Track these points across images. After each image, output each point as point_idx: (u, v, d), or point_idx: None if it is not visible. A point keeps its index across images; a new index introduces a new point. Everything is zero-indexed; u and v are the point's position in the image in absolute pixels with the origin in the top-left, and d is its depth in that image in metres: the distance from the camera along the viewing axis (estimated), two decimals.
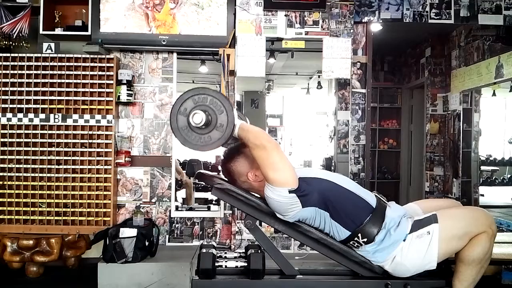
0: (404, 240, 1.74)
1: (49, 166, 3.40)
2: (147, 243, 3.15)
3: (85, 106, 3.43)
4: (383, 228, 1.75)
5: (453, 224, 1.75)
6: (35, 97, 3.42)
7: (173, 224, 3.65)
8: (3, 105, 3.41)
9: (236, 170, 1.85)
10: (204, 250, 1.82)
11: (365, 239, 1.75)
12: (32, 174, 3.41)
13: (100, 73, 3.44)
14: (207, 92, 1.67)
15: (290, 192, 1.68)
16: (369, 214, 1.76)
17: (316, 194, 1.74)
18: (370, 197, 1.83)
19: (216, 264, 1.81)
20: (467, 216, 1.80)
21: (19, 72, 3.40)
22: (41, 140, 3.41)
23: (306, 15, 3.49)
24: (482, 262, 1.73)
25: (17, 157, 3.40)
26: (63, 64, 3.42)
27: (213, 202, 4.22)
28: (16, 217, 3.38)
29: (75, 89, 3.43)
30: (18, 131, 3.41)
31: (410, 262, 1.74)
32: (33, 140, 3.41)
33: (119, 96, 3.46)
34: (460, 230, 1.73)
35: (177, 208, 3.76)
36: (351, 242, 1.78)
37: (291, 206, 1.71)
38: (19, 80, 3.40)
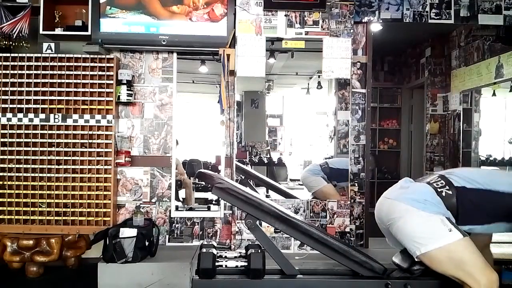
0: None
1: (49, 166, 3.41)
2: (147, 243, 3.15)
3: (85, 106, 3.43)
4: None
5: (465, 255, 1.78)
6: (35, 97, 3.42)
7: (173, 224, 3.65)
8: (3, 105, 3.41)
9: None
10: (204, 250, 1.82)
11: None
12: (32, 174, 3.41)
13: (100, 73, 3.44)
14: None
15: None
16: None
17: None
18: None
19: (216, 264, 1.82)
20: (477, 268, 1.80)
21: (19, 72, 3.41)
22: (41, 140, 3.41)
23: (306, 15, 3.48)
24: None
25: (17, 157, 3.40)
26: (63, 64, 3.42)
27: (213, 202, 4.22)
28: (16, 217, 3.38)
29: (75, 89, 3.43)
30: (18, 131, 3.41)
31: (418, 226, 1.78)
32: (33, 140, 3.41)
33: (119, 96, 3.46)
34: (462, 264, 1.76)
35: (177, 208, 3.76)
36: None
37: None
38: (19, 80, 3.40)
